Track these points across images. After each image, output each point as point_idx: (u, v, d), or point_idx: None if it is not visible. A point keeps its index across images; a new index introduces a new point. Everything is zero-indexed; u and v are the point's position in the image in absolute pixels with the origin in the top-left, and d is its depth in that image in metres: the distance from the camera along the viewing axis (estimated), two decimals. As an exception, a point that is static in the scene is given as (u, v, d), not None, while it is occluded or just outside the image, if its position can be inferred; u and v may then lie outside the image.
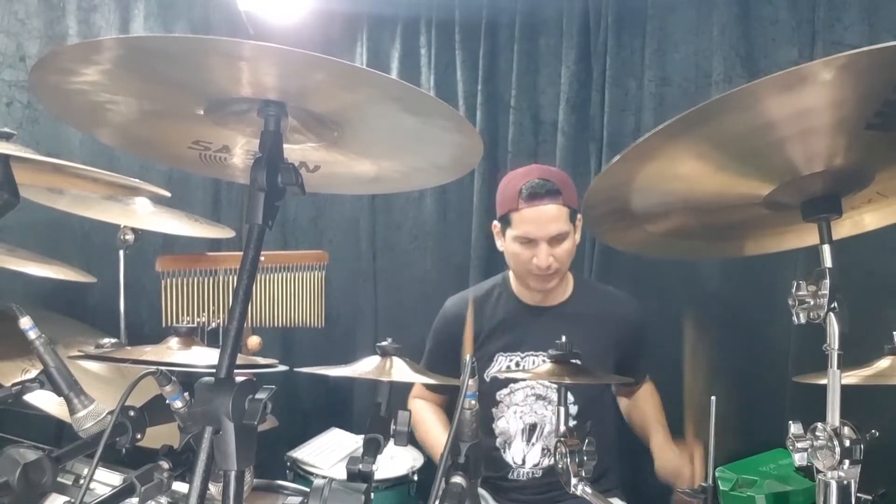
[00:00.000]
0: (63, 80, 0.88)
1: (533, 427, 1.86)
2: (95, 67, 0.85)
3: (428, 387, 2.00)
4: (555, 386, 1.82)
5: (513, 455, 1.87)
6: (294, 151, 1.07)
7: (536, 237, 1.77)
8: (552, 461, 1.79)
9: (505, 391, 1.88)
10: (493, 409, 1.89)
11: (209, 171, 1.18)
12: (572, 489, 1.25)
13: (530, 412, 1.86)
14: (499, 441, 1.89)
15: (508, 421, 1.88)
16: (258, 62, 0.84)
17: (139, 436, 1.12)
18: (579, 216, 1.86)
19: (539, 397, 1.86)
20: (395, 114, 0.95)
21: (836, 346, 0.94)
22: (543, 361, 1.83)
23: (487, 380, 1.85)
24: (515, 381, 1.87)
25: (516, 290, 1.95)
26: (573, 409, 1.84)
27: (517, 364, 1.87)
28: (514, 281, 1.95)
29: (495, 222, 1.91)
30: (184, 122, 1.01)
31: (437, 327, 2.01)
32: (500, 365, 1.89)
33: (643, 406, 1.98)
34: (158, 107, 0.99)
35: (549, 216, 1.76)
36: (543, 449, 1.85)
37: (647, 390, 2.01)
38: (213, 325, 1.86)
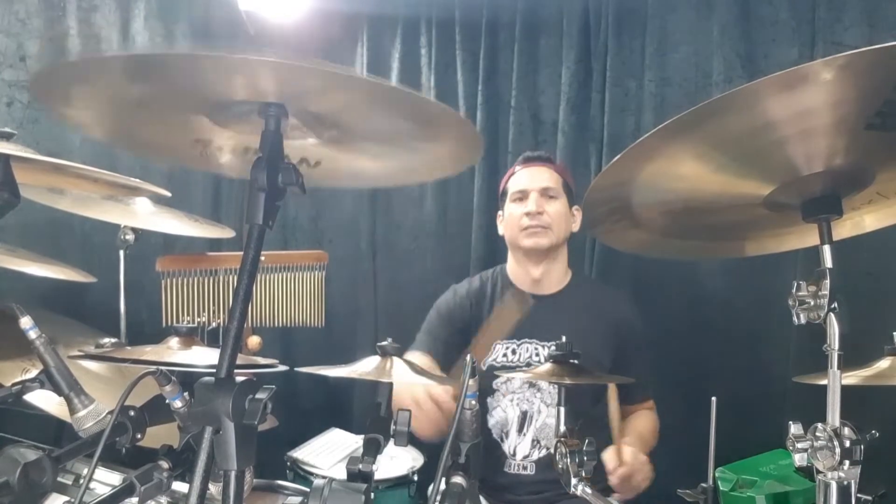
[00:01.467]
0: (63, 91, 0.88)
1: (524, 414, 1.87)
2: (95, 78, 0.85)
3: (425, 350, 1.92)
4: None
5: (510, 445, 1.87)
6: (294, 148, 1.07)
7: (528, 188, 1.89)
8: (541, 455, 1.80)
9: (501, 379, 1.90)
10: (489, 399, 1.90)
11: (210, 167, 1.18)
12: (572, 489, 1.25)
13: (524, 399, 1.87)
14: (495, 433, 1.89)
15: (505, 410, 1.88)
16: (256, 72, 0.84)
17: (139, 436, 1.11)
18: (577, 207, 1.94)
19: (531, 385, 1.87)
20: (396, 117, 0.95)
21: (836, 347, 0.94)
22: (536, 349, 1.85)
23: (484, 368, 1.85)
24: (511, 368, 1.87)
25: (513, 277, 1.97)
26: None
27: (513, 352, 1.88)
28: (512, 268, 1.98)
29: (499, 211, 1.99)
30: (184, 123, 1.01)
31: (448, 309, 1.98)
32: (497, 353, 1.90)
33: (633, 420, 1.87)
34: (159, 109, 0.99)
35: (540, 173, 1.92)
36: (533, 441, 1.85)
37: (645, 413, 1.92)
38: (214, 325, 1.86)
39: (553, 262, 1.92)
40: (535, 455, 1.84)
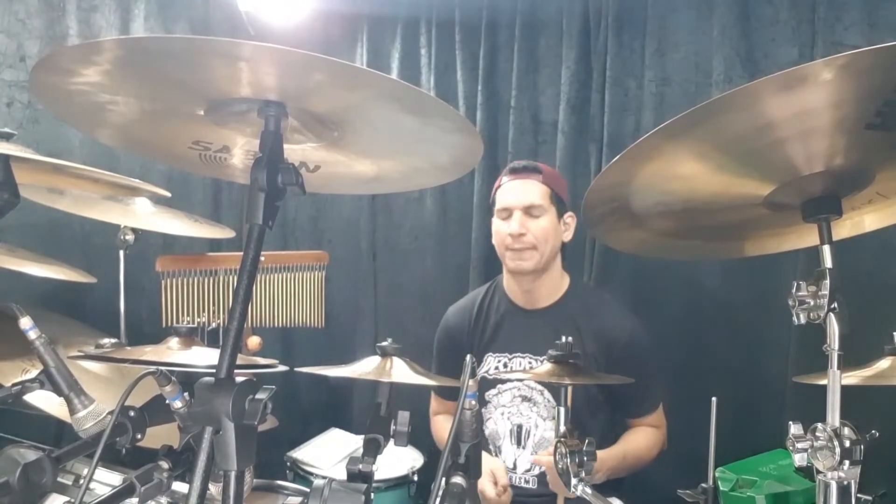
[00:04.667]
0: (63, 80, 0.88)
1: (520, 428, 1.85)
2: (96, 68, 0.85)
3: (441, 394, 2.01)
4: (539, 388, 1.83)
5: (504, 458, 1.86)
6: (294, 151, 1.07)
7: (511, 206, 1.82)
8: (542, 469, 1.78)
9: (493, 391, 1.88)
10: (483, 410, 1.89)
11: (209, 171, 1.18)
12: (572, 489, 1.25)
13: (517, 413, 1.85)
14: (489, 445, 1.88)
15: (496, 422, 1.87)
16: (258, 62, 0.84)
17: (139, 436, 1.11)
18: (570, 214, 1.89)
19: (525, 399, 1.85)
20: (395, 114, 0.95)
21: (836, 347, 0.94)
22: (529, 363, 1.84)
23: (477, 378, 1.85)
24: (503, 381, 1.86)
25: (508, 290, 1.95)
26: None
27: (505, 365, 1.87)
28: (506, 281, 1.96)
29: (493, 218, 1.94)
30: (184, 123, 1.01)
31: (439, 337, 2.02)
32: (489, 365, 1.89)
33: (636, 431, 1.85)
34: (159, 107, 0.99)
35: (525, 188, 1.83)
36: (533, 454, 1.83)
37: (642, 430, 1.85)
38: (213, 325, 1.86)
39: (544, 274, 1.87)
40: (537, 469, 1.81)
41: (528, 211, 1.81)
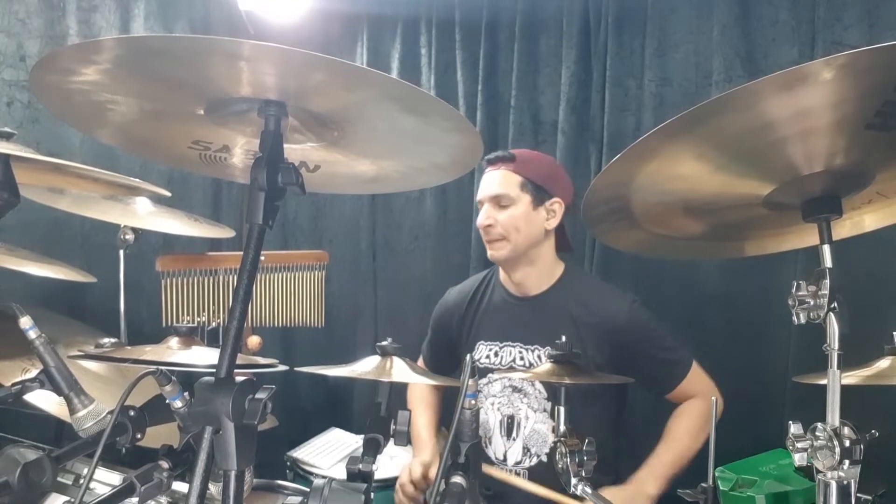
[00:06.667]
0: (63, 80, 0.88)
1: (511, 419, 1.82)
2: (96, 67, 0.85)
3: (426, 360, 2.06)
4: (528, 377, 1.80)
5: (494, 450, 1.83)
6: (294, 151, 1.07)
7: (481, 198, 1.85)
8: (532, 463, 1.78)
9: (483, 381, 1.86)
10: None
11: (209, 170, 1.18)
12: (572, 489, 1.25)
13: (507, 404, 1.83)
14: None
15: (486, 412, 1.85)
16: (258, 62, 0.84)
17: (139, 436, 1.12)
18: (556, 200, 1.83)
19: (515, 389, 1.83)
20: (395, 113, 0.95)
21: (836, 347, 0.94)
22: (519, 352, 1.83)
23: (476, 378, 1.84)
24: (493, 370, 1.84)
25: (502, 278, 1.95)
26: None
27: (496, 354, 1.86)
28: (500, 268, 1.96)
29: None
30: (184, 122, 1.01)
31: (436, 315, 2.04)
32: (481, 353, 1.88)
33: (678, 414, 1.80)
34: (159, 107, 0.99)
35: (493, 180, 1.84)
36: (524, 448, 1.80)
37: (685, 408, 1.80)
38: (213, 324, 1.86)
39: (529, 265, 1.84)
40: (527, 462, 1.79)
41: (496, 201, 1.82)
